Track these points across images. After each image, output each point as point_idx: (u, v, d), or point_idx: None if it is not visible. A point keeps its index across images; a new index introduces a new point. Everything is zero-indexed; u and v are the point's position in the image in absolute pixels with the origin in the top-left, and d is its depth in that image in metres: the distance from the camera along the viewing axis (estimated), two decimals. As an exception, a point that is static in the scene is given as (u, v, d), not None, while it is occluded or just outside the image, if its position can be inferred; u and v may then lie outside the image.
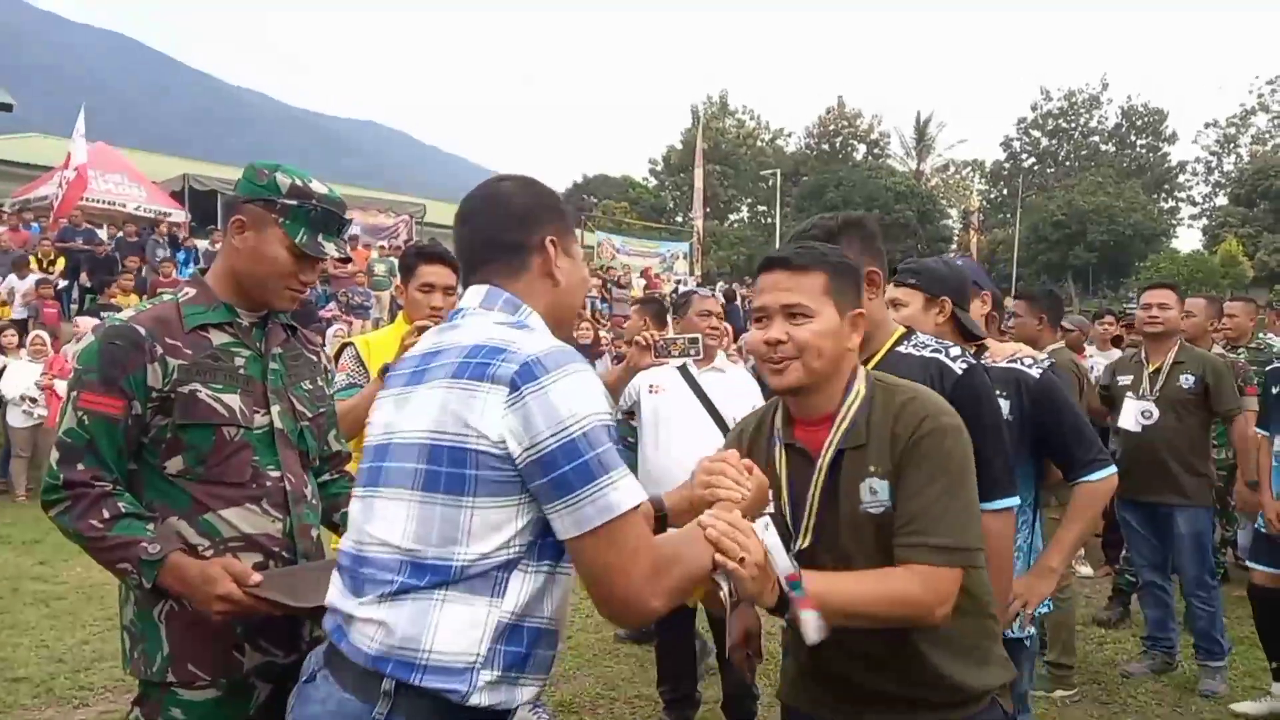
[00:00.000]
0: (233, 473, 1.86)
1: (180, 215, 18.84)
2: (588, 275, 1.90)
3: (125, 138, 32.17)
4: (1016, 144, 56.67)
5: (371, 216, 22.43)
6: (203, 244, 16.58)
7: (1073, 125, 55.80)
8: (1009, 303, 5.23)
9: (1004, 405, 2.34)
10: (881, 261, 2.14)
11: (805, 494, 1.73)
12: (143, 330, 1.83)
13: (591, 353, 9.96)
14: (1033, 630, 2.67)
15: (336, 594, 1.46)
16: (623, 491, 1.30)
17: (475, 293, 1.53)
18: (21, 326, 10.32)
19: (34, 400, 8.96)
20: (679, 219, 44.98)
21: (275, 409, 1.94)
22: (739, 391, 3.78)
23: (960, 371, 2.05)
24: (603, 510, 1.29)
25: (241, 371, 1.91)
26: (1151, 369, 4.47)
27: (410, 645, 1.31)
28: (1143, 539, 4.56)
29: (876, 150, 54.85)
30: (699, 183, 33.21)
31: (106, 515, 1.76)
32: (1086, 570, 6.33)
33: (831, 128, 54.84)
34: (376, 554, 1.38)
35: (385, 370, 2.31)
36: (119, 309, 9.27)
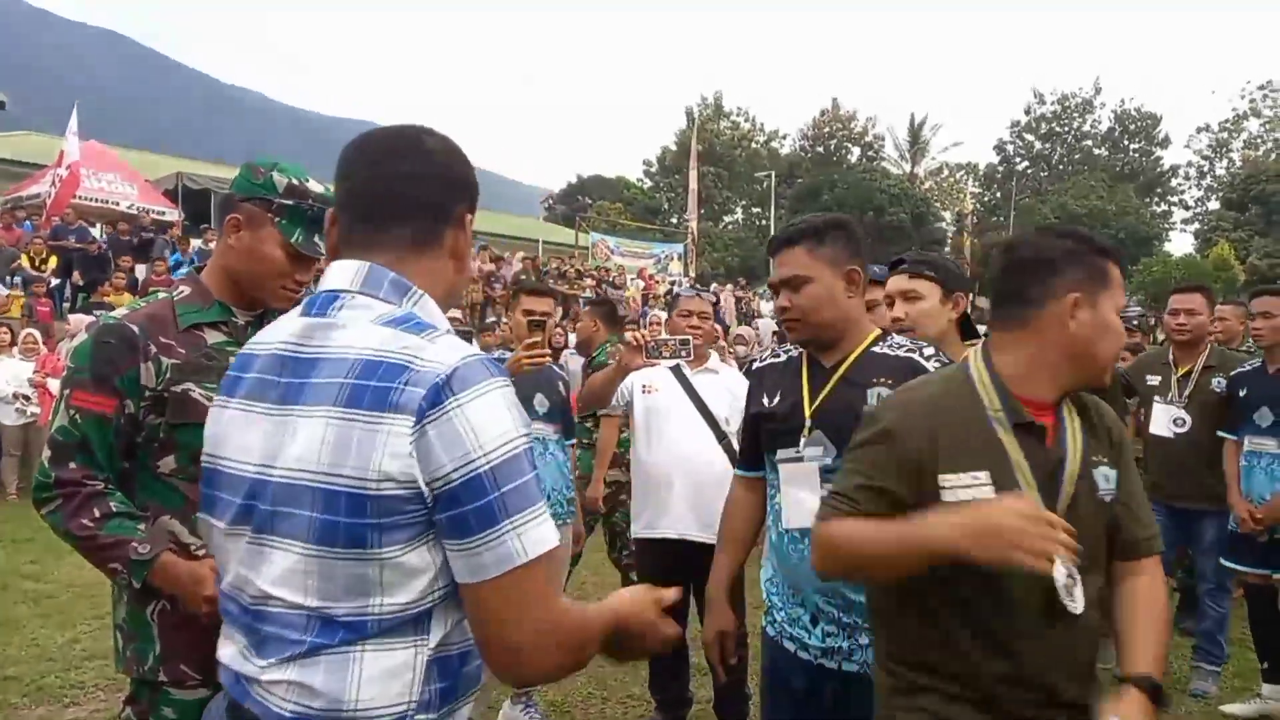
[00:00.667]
0: (225, 472, 1.85)
1: (174, 214, 18.79)
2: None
3: (119, 136, 32.00)
4: (1010, 147, 56.81)
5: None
6: (196, 243, 16.52)
7: (1066, 129, 55.92)
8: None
9: None
10: (864, 263, 2.19)
11: (1056, 479, 1.61)
12: (136, 329, 1.82)
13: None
14: None
15: (232, 652, 1.24)
16: (528, 539, 1.13)
17: (348, 270, 1.26)
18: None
19: (26, 398, 8.94)
20: (673, 220, 44.95)
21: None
22: (731, 392, 3.79)
23: (934, 371, 2.07)
24: (501, 560, 1.12)
25: (235, 371, 1.91)
26: (1181, 372, 4.40)
27: (334, 705, 1.14)
28: (1168, 544, 4.53)
29: (871, 153, 54.89)
30: (694, 184, 33.26)
31: (97, 514, 1.75)
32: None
33: (826, 130, 54.88)
34: (277, 610, 1.17)
35: None
36: (111, 307, 9.25)
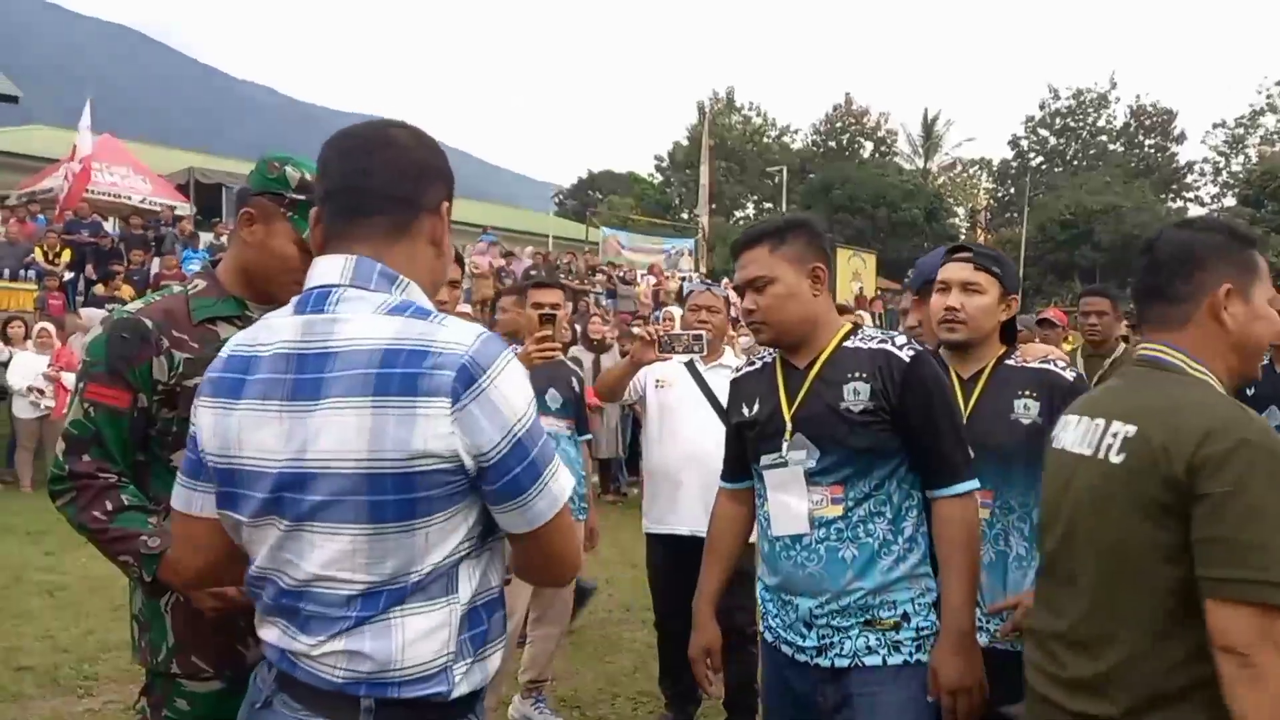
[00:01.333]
0: (238, 466, 1.85)
1: (185, 208, 18.87)
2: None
3: (131, 130, 32.20)
4: (1024, 143, 56.39)
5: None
6: (207, 237, 16.57)
7: (1081, 124, 55.49)
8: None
9: (1034, 406, 2.31)
10: (827, 259, 2.16)
11: None
12: (150, 323, 1.83)
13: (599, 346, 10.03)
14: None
15: (276, 633, 1.32)
16: (560, 480, 1.32)
17: (335, 265, 1.32)
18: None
19: (41, 391, 9.00)
20: (684, 215, 44.85)
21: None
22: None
23: (908, 359, 2.04)
24: (551, 504, 1.30)
25: (248, 365, 1.91)
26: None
27: (382, 667, 1.25)
28: None
29: (883, 148, 54.60)
30: (705, 179, 33.15)
31: (110, 508, 1.76)
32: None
33: (838, 125, 54.64)
34: (321, 591, 1.26)
35: None
36: (123, 301, 9.30)
